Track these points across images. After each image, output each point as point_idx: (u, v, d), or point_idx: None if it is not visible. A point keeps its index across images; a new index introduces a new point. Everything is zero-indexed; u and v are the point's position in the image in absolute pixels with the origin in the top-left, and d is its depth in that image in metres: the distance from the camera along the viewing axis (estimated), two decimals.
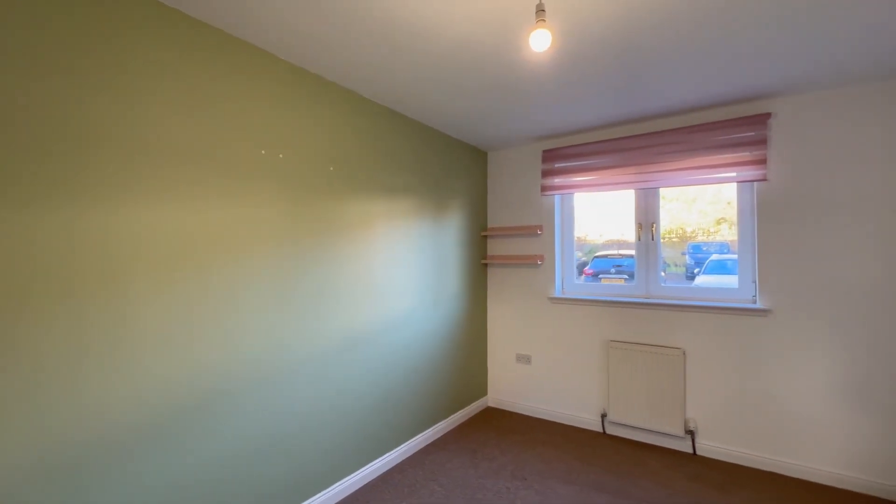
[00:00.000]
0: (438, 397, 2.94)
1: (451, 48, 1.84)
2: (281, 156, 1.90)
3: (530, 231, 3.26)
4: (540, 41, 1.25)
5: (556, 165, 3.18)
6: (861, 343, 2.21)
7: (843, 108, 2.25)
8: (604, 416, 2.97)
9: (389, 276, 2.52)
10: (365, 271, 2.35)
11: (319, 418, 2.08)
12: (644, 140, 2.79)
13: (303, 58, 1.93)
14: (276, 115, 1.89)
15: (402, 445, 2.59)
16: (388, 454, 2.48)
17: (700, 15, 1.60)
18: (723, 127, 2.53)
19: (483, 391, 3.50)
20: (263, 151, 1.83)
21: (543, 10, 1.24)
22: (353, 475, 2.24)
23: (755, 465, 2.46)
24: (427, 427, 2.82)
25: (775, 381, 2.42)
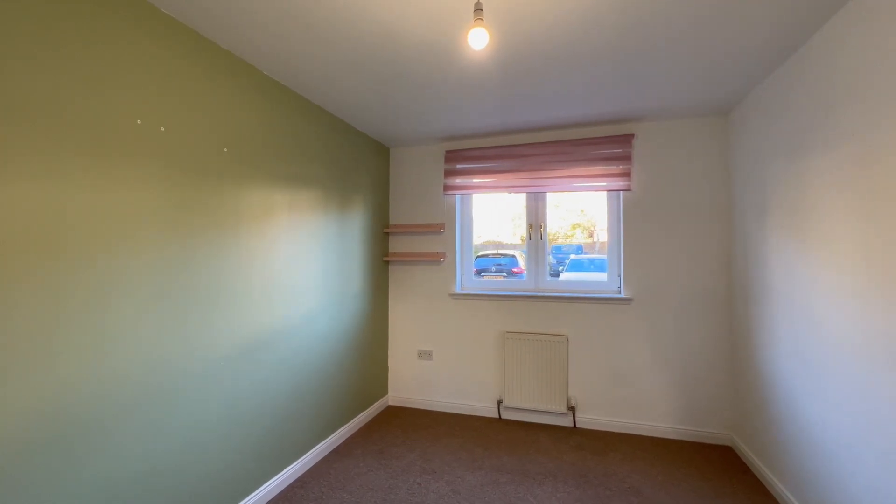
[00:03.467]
0: (341, 401, 2.79)
1: (372, 34, 1.76)
2: (162, 129, 1.58)
3: (433, 229, 3.32)
4: (477, 39, 1.28)
5: (458, 166, 3.30)
6: (694, 326, 2.80)
7: (686, 135, 2.82)
8: (500, 402, 3.19)
9: (292, 274, 2.30)
10: (265, 268, 2.10)
11: (209, 440, 1.79)
12: (537, 149, 3.08)
13: (191, 18, 1.63)
14: (155, 80, 1.56)
15: (303, 456, 2.38)
16: (287, 469, 2.25)
17: (591, 54, 1.84)
18: (599, 143, 2.95)
19: (384, 390, 3.44)
20: (139, 121, 1.49)
21: (481, 10, 1.27)
22: (246, 499, 1.98)
23: (621, 430, 2.93)
24: (330, 433, 2.65)
25: (632, 357, 2.92)
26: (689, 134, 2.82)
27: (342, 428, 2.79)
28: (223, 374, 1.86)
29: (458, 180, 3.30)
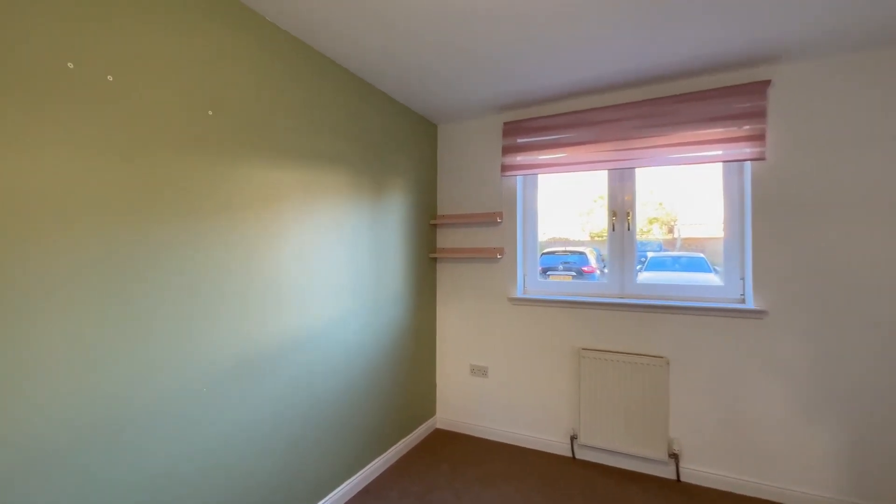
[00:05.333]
0: (375, 427, 2.31)
1: None
2: (110, 78, 1.17)
3: (489, 219, 2.73)
4: None
5: (520, 141, 2.67)
6: (867, 354, 1.92)
7: (854, 76, 1.93)
8: (574, 438, 2.51)
9: (309, 274, 1.85)
10: (268, 266, 1.66)
11: (188, 490, 1.38)
12: (623, 111, 2.36)
13: None
14: (98, 12, 1.16)
15: (322, 501, 1.93)
16: None
17: None
18: (715, 96, 2.15)
19: (431, 411, 2.92)
20: (71, 64, 1.09)
21: None
22: None
23: (747, 493, 2.11)
24: (360, 468, 2.18)
25: (766, 392, 2.09)
26: (858, 74, 1.93)
27: (377, 460, 2.31)
28: (217, 399, 1.45)
29: (520, 158, 2.67)
